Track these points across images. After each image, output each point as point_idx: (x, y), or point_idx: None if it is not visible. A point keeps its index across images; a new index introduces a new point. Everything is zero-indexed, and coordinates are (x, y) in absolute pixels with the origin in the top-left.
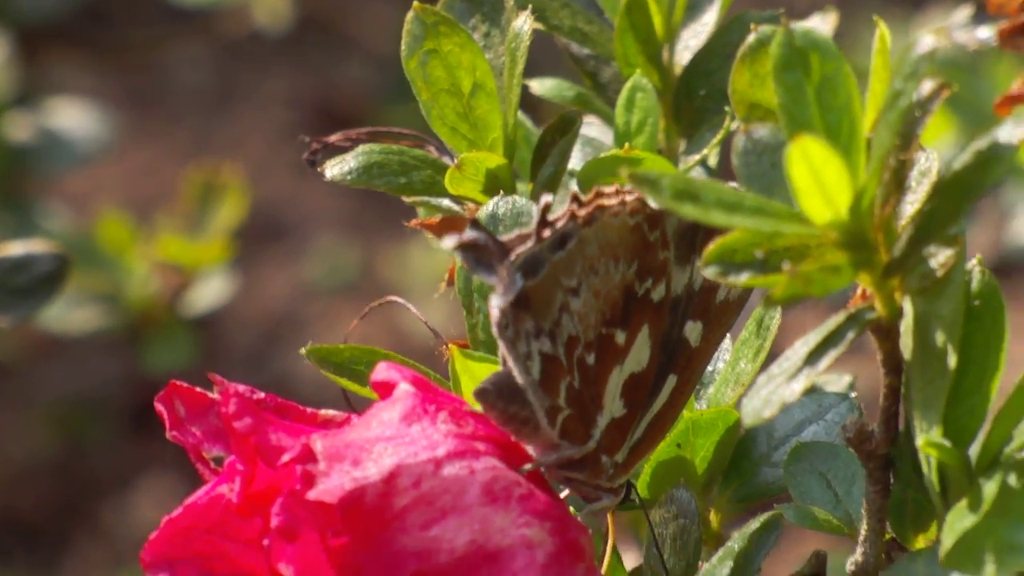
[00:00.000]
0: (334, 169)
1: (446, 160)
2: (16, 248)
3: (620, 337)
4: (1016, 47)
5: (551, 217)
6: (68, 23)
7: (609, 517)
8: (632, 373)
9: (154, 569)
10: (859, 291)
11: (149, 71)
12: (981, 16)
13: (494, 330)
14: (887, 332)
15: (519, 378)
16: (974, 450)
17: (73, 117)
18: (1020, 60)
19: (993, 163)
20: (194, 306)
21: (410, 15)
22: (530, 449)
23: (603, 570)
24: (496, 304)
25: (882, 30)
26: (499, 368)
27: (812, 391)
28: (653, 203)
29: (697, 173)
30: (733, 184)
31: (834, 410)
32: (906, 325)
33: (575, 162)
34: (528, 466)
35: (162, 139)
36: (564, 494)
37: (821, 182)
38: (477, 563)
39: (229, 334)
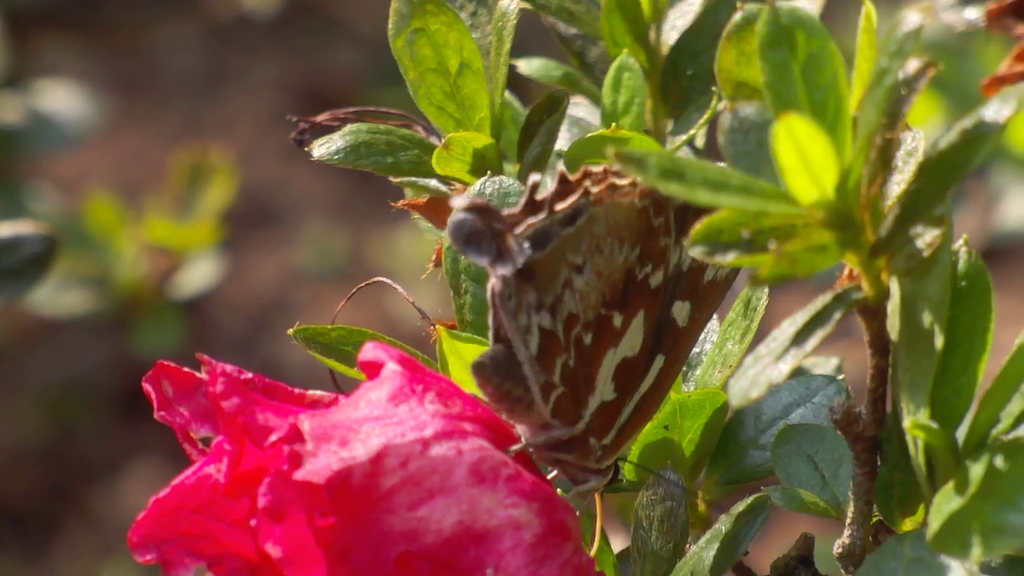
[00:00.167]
0: (321, 149)
1: (433, 140)
2: (4, 229)
3: (617, 320)
4: (1004, 28)
5: (538, 197)
6: (58, 6)
7: (597, 498)
8: (625, 358)
9: (141, 549)
10: (846, 271)
11: (138, 55)
12: None
13: (496, 301)
14: (874, 312)
15: (517, 351)
16: (961, 432)
17: (62, 99)
18: (1007, 41)
19: (979, 142)
20: (183, 289)
21: None
22: (519, 429)
23: (591, 551)
24: (500, 272)
25: (868, 8)
26: (489, 345)
27: (799, 374)
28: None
29: (684, 153)
30: (721, 164)
31: (822, 392)
32: (893, 306)
33: (562, 142)
34: (515, 447)
35: (151, 123)
36: (552, 475)
37: (807, 160)
38: (464, 543)
39: (217, 319)
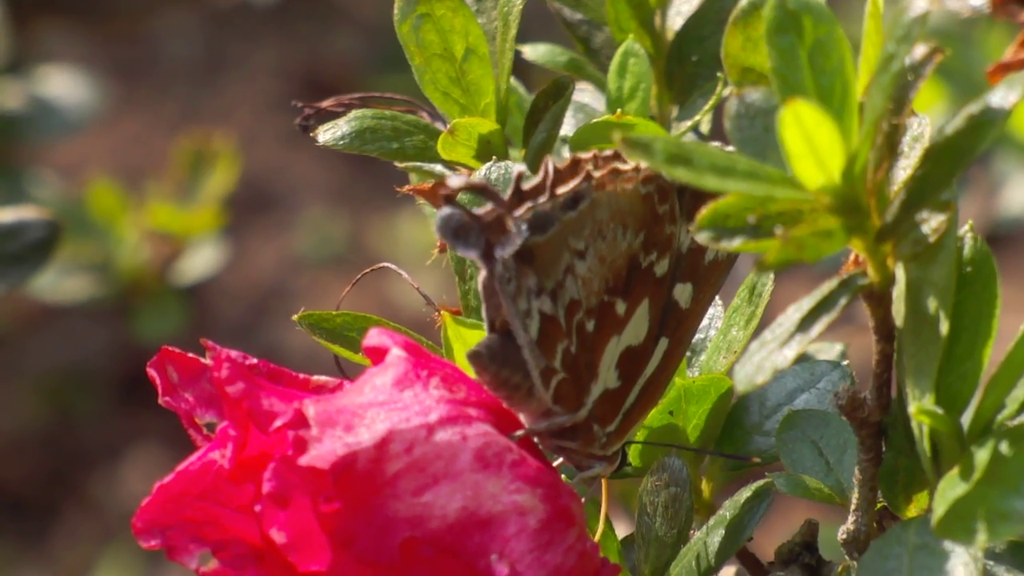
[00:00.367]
0: (326, 134)
1: (438, 125)
2: (7, 215)
3: (620, 307)
4: (1008, 15)
5: (525, 187)
6: None
7: (603, 484)
8: (629, 346)
9: (146, 535)
10: (852, 257)
11: (138, 41)
12: None
13: (489, 290)
14: (879, 298)
15: (516, 335)
16: (966, 418)
17: (63, 85)
18: (1012, 29)
19: (985, 127)
20: (185, 275)
21: None
22: (522, 417)
23: (595, 537)
24: (498, 255)
25: None
26: (487, 333)
27: (804, 359)
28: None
29: (689, 139)
30: (728, 148)
31: (826, 378)
32: (898, 291)
33: (567, 128)
34: (520, 432)
35: (150, 109)
36: (558, 462)
37: (814, 146)
38: (469, 529)
39: (218, 306)
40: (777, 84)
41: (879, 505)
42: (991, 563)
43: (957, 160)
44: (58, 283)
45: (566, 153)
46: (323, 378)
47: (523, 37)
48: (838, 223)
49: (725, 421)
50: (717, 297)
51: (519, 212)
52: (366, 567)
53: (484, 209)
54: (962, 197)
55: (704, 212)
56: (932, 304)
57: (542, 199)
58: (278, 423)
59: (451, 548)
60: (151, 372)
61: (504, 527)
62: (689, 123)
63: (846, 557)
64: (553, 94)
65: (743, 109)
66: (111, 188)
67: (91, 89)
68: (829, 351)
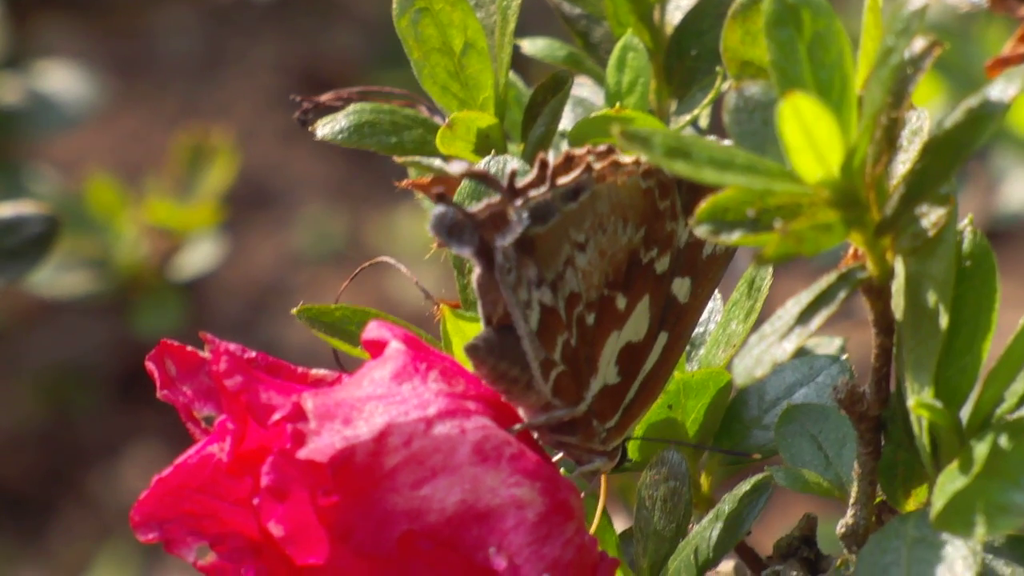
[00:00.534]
0: (325, 128)
1: (437, 119)
2: (6, 210)
3: (621, 302)
4: (1007, 10)
5: (519, 184)
6: None
7: (603, 479)
8: (629, 342)
9: (144, 529)
10: (851, 250)
11: (137, 37)
12: None
13: (493, 278)
14: (879, 292)
15: (516, 326)
16: (965, 411)
17: (62, 80)
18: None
19: (984, 121)
20: (183, 270)
21: None
22: (520, 411)
23: (593, 531)
24: (499, 244)
25: None
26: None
27: (803, 353)
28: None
29: (688, 133)
30: (726, 142)
31: (825, 372)
32: (898, 285)
33: (566, 122)
34: (518, 426)
35: (150, 105)
36: (557, 457)
37: (812, 139)
38: (467, 522)
39: (216, 302)
40: (776, 78)
41: (878, 499)
42: (990, 557)
43: (956, 154)
44: (56, 278)
45: (565, 147)
46: (322, 371)
47: (522, 31)
48: (837, 217)
49: (724, 415)
50: (716, 291)
51: (520, 201)
52: (364, 560)
53: (478, 207)
54: (961, 193)
55: (703, 206)
56: (931, 298)
57: (543, 189)
58: (276, 416)
59: (449, 541)
60: (149, 365)
61: (502, 520)
62: (688, 117)
63: (845, 551)
64: (552, 88)
65: (742, 103)
66: (110, 183)
67: (90, 84)
68: (828, 345)
